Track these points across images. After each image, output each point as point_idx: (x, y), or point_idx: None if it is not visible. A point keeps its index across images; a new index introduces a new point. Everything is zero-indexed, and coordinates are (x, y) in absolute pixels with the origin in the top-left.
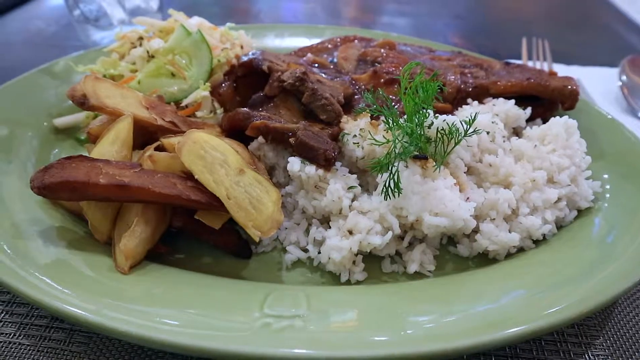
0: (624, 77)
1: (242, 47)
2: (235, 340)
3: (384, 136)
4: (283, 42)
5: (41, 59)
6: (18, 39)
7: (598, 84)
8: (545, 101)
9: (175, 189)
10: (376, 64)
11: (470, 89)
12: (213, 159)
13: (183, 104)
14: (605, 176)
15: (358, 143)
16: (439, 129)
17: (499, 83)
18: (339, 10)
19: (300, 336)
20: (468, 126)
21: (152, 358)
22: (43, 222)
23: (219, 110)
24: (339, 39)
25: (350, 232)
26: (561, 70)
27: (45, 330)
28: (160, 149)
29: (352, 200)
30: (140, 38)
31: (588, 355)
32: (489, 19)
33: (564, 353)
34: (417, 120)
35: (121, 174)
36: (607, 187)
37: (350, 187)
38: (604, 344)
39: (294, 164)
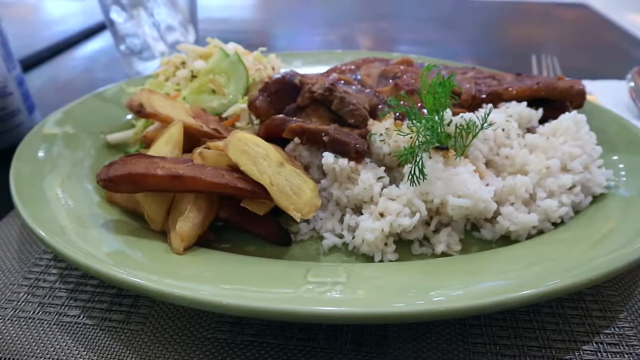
0: (632, 84)
1: (273, 69)
2: (282, 302)
3: (407, 127)
4: (308, 67)
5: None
6: (75, 73)
7: (608, 95)
8: (555, 104)
9: (224, 179)
10: (396, 79)
11: (484, 96)
12: (256, 153)
13: (224, 116)
14: (621, 165)
15: (384, 140)
16: (457, 125)
17: (510, 89)
18: (356, 41)
19: (343, 297)
20: (484, 120)
21: (204, 335)
22: (103, 217)
23: (256, 122)
24: (360, 61)
25: (382, 215)
26: None
27: (106, 312)
28: None
29: (382, 189)
30: (183, 62)
31: (613, 328)
32: (500, 43)
33: (589, 326)
34: (437, 117)
35: (176, 167)
36: (622, 174)
37: (380, 178)
38: (628, 317)
39: (328, 157)
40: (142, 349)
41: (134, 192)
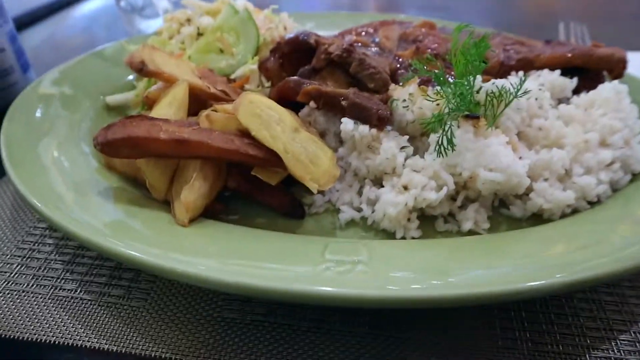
0: None
1: (285, 29)
2: (299, 281)
3: (434, 92)
4: (322, 29)
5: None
6: (73, 32)
7: (638, 67)
8: (591, 73)
9: (233, 144)
10: (418, 42)
11: (513, 62)
12: (269, 117)
13: (232, 78)
14: None
15: (408, 107)
16: (489, 92)
17: (542, 56)
18: (365, 3)
19: (365, 277)
20: (518, 88)
21: (210, 313)
22: (102, 184)
23: (267, 84)
24: (377, 23)
25: (405, 188)
26: None
27: (105, 287)
28: None
29: (405, 160)
30: (188, 19)
31: None
32: (522, 11)
33: (626, 314)
34: (467, 82)
35: (180, 131)
36: None
37: (403, 147)
38: None
39: (348, 124)
40: (144, 326)
41: (135, 158)
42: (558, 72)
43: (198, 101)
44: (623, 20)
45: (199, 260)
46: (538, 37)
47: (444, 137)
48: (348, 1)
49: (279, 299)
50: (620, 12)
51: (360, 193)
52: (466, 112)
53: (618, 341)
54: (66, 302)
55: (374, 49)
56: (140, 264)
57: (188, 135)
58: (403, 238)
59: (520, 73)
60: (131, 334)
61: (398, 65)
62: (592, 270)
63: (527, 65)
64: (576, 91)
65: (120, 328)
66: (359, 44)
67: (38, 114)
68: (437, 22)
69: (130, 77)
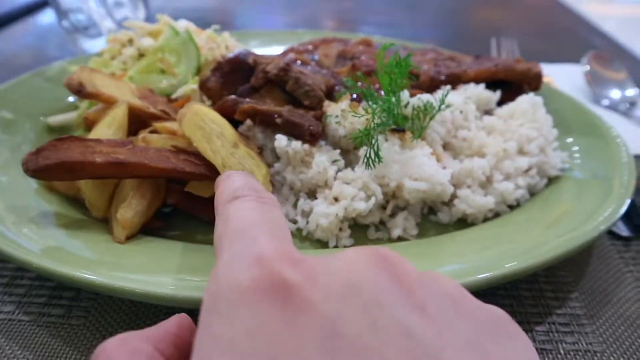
0: (587, 67)
1: (227, 48)
2: None
3: (363, 108)
4: (266, 47)
5: (36, 66)
6: (17, 50)
7: (565, 79)
8: (513, 86)
9: (169, 163)
10: (355, 59)
11: (443, 78)
12: (211, 130)
13: (173, 97)
14: (575, 148)
15: (340, 122)
16: (415, 107)
17: (469, 71)
18: (317, 21)
19: None
20: (441, 102)
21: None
22: (42, 206)
23: (208, 103)
24: (318, 40)
25: (336, 199)
26: None
27: (44, 307)
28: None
29: (337, 173)
30: (131, 40)
31: (564, 308)
32: (463, 26)
33: (542, 307)
34: (393, 98)
35: (115, 152)
36: (577, 156)
37: (335, 161)
38: (579, 297)
39: (281, 140)
40: (84, 344)
41: (71, 180)
42: (483, 85)
43: (138, 121)
44: (556, 35)
45: (134, 276)
46: (478, 49)
47: (372, 150)
48: (305, 19)
49: None
50: (556, 28)
51: (295, 206)
52: (393, 126)
53: (534, 333)
54: (3, 325)
55: (311, 68)
56: (75, 282)
57: (124, 157)
58: (336, 247)
59: (447, 87)
60: (70, 352)
61: (334, 82)
62: (510, 268)
63: (456, 80)
64: (502, 103)
65: (60, 347)
66: (299, 62)
67: None
68: (379, 39)
69: (73, 98)
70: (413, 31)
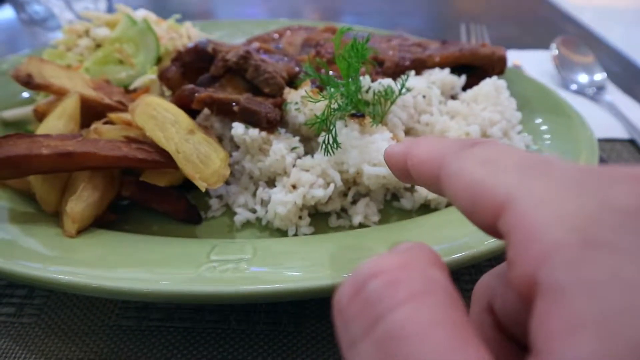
0: (555, 52)
1: (189, 38)
2: (182, 283)
3: (322, 95)
4: (231, 37)
5: None
6: None
7: (534, 64)
8: (478, 71)
9: (120, 151)
10: (319, 47)
11: (408, 63)
12: (164, 118)
13: (131, 88)
14: (544, 127)
15: (299, 109)
16: (375, 92)
17: (434, 55)
18: (300, 13)
19: (243, 275)
20: (402, 86)
21: (105, 322)
22: None
23: (167, 93)
24: (283, 29)
25: (294, 187)
26: None
27: None
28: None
29: (295, 160)
30: (87, 30)
31: None
32: (443, 15)
33: None
34: (352, 83)
35: (64, 144)
36: (546, 137)
37: (294, 148)
38: None
39: (238, 128)
40: (35, 342)
41: (18, 177)
42: (447, 70)
43: (92, 113)
44: (527, 22)
45: (87, 271)
46: (447, 35)
47: (329, 136)
48: (286, 10)
49: (164, 301)
50: (527, 15)
51: (255, 195)
52: (352, 111)
53: None
54: None
55: (276, 57)
56: (24, 279)
57: (73, 148)
58: (295, 235)
59: (411, 72)
60: (20, 351)
61: (297, 70)
62: (471, 249)
63: (421, 65)
64: (466, 87)
65: (10, 347)
66: (263, 50)
67: None
68: (362, 29)
69: (27, 93)
70: (391, 20)
